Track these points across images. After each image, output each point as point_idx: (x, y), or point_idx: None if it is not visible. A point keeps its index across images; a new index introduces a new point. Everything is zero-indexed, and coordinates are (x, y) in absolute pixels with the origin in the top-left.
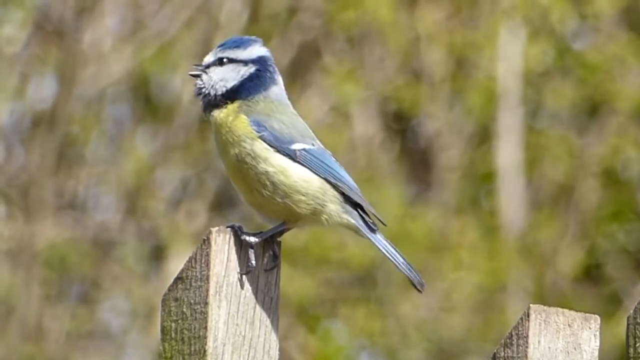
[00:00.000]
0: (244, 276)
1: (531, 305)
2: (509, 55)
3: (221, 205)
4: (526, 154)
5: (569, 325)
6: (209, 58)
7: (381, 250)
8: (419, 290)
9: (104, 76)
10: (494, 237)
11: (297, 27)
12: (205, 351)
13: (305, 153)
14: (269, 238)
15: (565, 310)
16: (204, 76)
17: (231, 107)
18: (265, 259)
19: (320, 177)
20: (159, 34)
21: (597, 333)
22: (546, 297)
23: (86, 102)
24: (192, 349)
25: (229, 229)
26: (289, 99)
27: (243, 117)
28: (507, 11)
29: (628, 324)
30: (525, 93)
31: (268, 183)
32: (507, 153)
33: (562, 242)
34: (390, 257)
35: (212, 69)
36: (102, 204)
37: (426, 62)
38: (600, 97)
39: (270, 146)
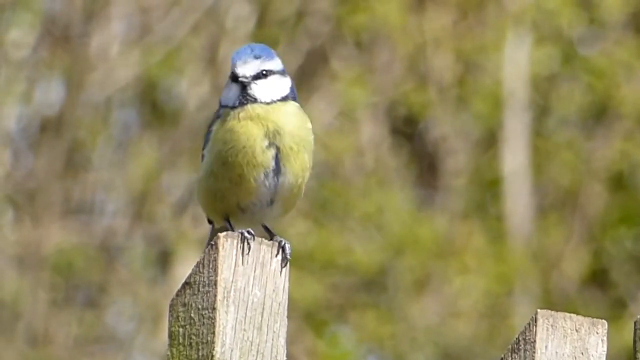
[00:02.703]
0: (251, 275)
1: (539, 310)
2: (516, 60)
3: None
4: (533, 158)
5: (576, 330)
6: (251, 69)
7: None
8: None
9: (111, 81)
10: (500, 242)
11: (305, 32)
12: (213, 356)
13: None
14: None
15: (573, 315)
16: (255, 87)
17: (290, 106)
18: (279, 257)
19: None
20: (165, 39)
21: (605, 338)
22: (553, 301)
23: (93, 107)
24: (200, 354)
25: (237, 234)
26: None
27: (306, 117)
28: (515, 16)
29: (635, 329)
30: (532, 98)
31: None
32: (514, 158)
33: (569, 246)
34: None
35: (260, 81)
36: (109, 208)
37: (434, 66)
38: (607, 102)
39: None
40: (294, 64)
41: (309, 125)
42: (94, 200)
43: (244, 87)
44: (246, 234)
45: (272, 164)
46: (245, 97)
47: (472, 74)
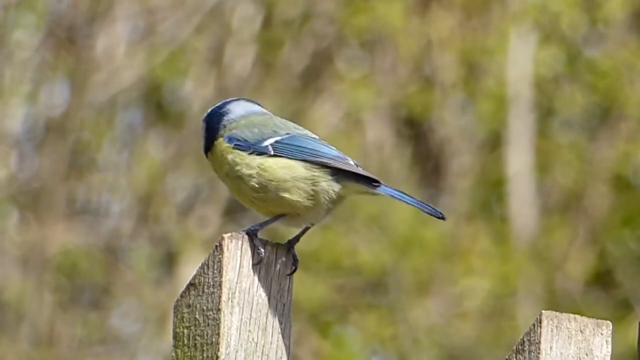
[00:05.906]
0: (256, 276)
1: (543, 311)
2: (520, 61)
3: (233, 211)
4: (537, 159)
5: (580, 331)
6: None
7: (391, 196)
8: (441, 218)
9: (115, 82)
10: (504, 243)
11: (310, 34)
12: (217, 357)
13: (277, 144)
14: (287, 244)
15: (577, 316)
16: None
17: (216, 142)
18: (283, 259)
19: (298, 160)
20: (170, 40)
21: (609, 339)
22: (557, 302)
23: (98, 108)
24: (205, 355)
25: (241, 234)
26: (293, 106)
27: (220, 139)
28: (518, 17)
29: None
30: (536, 99)
31: (256, 185)
32: (518, 159)
33: (573, 247)
34: (400, 199)
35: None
36: (114, 210)
37: (438, 67)
38: (610, 103)
39: (243, 151)
40: (299, 65)
41: (223, 147)
42: (98, 202)
43: None
44: (258, 244)
45: None
46: None
47: (477, 75)
